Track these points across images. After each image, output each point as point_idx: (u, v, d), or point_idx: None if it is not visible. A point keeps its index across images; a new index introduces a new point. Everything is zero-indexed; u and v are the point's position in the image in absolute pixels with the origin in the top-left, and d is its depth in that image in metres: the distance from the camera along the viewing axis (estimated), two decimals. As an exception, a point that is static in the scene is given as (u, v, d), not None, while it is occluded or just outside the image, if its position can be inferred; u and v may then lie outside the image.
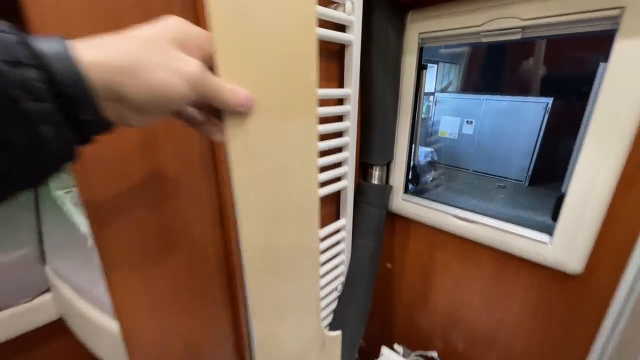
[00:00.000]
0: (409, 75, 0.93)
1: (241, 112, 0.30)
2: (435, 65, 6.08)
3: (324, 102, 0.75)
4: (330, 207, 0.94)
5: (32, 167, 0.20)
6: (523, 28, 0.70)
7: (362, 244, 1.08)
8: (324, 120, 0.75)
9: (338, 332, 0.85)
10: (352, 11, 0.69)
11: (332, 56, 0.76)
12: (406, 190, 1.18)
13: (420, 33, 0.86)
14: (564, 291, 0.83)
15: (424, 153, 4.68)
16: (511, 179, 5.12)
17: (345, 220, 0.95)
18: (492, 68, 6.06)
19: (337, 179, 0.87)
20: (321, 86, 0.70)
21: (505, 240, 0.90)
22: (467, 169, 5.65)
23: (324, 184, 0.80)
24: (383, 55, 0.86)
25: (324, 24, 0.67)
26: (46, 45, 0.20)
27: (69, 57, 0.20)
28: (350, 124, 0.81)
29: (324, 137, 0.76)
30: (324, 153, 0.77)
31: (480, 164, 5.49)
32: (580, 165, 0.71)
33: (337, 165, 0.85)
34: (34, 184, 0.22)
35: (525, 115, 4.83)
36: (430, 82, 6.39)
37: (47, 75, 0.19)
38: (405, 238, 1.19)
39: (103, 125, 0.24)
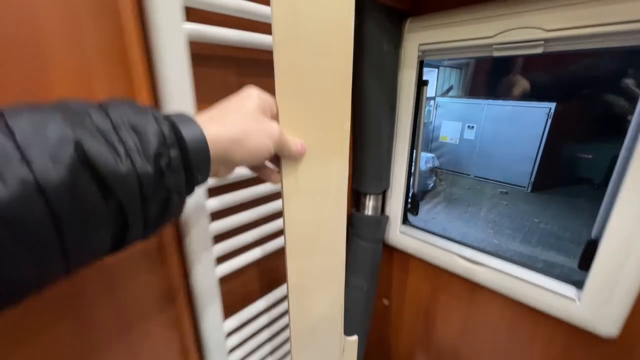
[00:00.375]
0: (407, 93, 0.78)
1: (297, 158, 0.38)
2: (436, 70, 5.99)
3: None
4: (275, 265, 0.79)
5: (156, 228, 0.26)
6: (546, 40, 0.56)
7: (355, 284, 0.93)
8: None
9: (355, 337, 0.70)
10: None
11: None
12: (405, 221, 1.02)
13: (420, 44, 0.71)
14: (594, 355, 0.69)
15: (424, 159, 4.57)
16: (513, 184, 5.00)
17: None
18: (494, 72, 5.96)
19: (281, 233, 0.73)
20: None
21: (520, 289, 0.76)
22: (469, 175, 5.53)
23: (261, 240, 0.68)
24: (376, 70, 0.72)
25: None
26: (186, 130, 0.25)
27: (202, 139, 0.26)
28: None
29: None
30: (264, 199, 0.65)
31: (482, 170, 5.36)
32: (618, 211, 0.57)
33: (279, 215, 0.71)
34: (149, 236, 0.26)
35: (528, 120, 4.71)
36: (430, 86, 6.28)
37: (184, 154, 0.25)
38: (404, 274, 1.05)
39: (205, 182, 0.29)
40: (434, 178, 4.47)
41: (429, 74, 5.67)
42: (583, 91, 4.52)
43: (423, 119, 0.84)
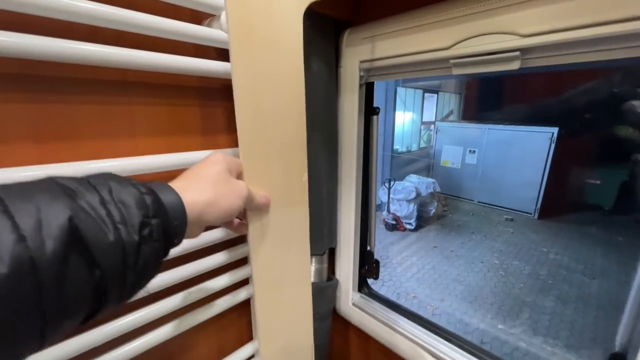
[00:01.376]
0: (351, 124, 0.58)
1: (263, 210, 0.41)
2: (435, 95, 6.02)
3: None
4: (239, 321, 0.58)
5: (131, 295, 0.27)
6: (523, 51, 0.39)
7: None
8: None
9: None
10: None
11: (213, 98, 0.45)
12: (361, 288, 0.74)
13: (361, 61, 0.53)
14: None
15: (425, 184, 4.45)
16: (519, 211, 4.79)
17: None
18: (493, 97, 5.96)
19: (246, 281, 0.55)
20: (190, 146, 0.43)
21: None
22: (472, 200, 5.35)
23: (228, 289, 0.51)
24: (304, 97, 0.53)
25: (196, 50, 0.41)
26: (165, 198, 0.27)
27: (180, 205, 0.28)
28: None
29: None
30: (227, 244, 0.50)
31: (486, 195, 5.19)
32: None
33: (245, 261, 0.54)
34: (122, 303, 0.27)
35: (530, 144, 4.60)
36: (430, 110, 6.31)
37: (165, 222, 0.26)
38: (363, 356, 0.78)
39: (179, 245, 0.31)
40: (436, 204, 4.31)
41: (429, 99, 5.69)
42: (586, 115, 4.46)
43: (375, 155, 0.64)
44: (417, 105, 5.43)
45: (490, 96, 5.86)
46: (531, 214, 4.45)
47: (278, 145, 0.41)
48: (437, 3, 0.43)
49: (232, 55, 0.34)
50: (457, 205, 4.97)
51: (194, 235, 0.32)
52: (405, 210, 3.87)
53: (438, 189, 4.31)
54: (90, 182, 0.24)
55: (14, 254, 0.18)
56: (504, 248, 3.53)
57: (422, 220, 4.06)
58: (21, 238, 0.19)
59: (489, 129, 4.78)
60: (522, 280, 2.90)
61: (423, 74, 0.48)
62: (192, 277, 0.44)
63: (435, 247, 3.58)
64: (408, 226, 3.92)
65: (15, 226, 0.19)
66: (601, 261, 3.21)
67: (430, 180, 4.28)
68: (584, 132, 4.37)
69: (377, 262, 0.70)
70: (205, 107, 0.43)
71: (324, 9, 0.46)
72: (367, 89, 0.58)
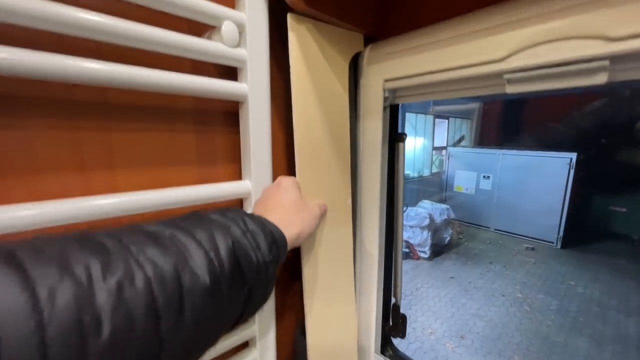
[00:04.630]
0: (373, 152, 0.50)
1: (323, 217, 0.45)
2: (446, 120, 5.99)
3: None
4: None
5: (255, 312, 0.32)
6: (613, 59, 0.29)
7: None
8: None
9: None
10: (237, 40, 0.35)
11: (212, 122, 0.39)
12: (384, 350, 0.61)
13: (386, 80, 0.45)
14: None
15: (439, 210, 4.28)
16: (540, 239, 4.52)
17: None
18: (507, 121, 5.87)
19: (245, 345, 0.45)
20: (184, 179, 0.37)
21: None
22: (488, 227, 5.11)
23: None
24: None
25: (193, 66, 0.35)
26: (274, 231, 0.32)
27: (284, 239, 0.33)
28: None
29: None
30: None
31: (503, 222, 4.95)
32: None
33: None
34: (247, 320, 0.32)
35: (548, 170, 4.42)
36: (442, 136, 6.25)
37: (278, 250, 0.32)
38: None
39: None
40: (451, 231, 4.13)
41: (440, 125, 5.66)
42: (607, 139, 4.30)
43: (401, 189, 0.54)
44: (428, 130, 5.42)
45: (503, 122, 5.81)
46: (553, 243, 4.20)
47: (327, 171, 0.46)
48: (485, 8, 0.35)
49: (294, 97, 0.39)
50: (472, 232, 4.76)
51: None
52: (418, 237, 3.71)
53: (452, 216, 4.15)
54: (228, 215, 0.29)
55: (210, 270, 0.24)
56: (527, 280, 3.28)
57: (437, 249, 3.87)
58: (210, 261, 0.24)
59: (503, 154, 4.67)
60: (549, 317, 2.65)
61: (463, 94, 0.40)
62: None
63: (451, 277, 3.37)
64: (422, 255, 3.74)
65: (205, 250, 0.24)
66: (636, 297, 2.93)
67: (444, 206, 4.14)
68: (604, 157, 4.21)
69: (404, 318, 0.58)
70: (202, 134, 0.37)
71: (339, 21, 0.40)
72: (391, 112, 0.50)
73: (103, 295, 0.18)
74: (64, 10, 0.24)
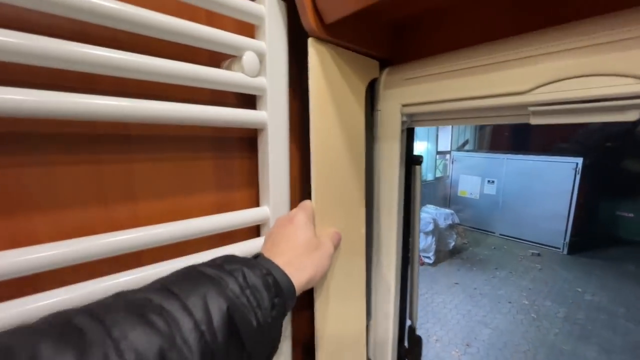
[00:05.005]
0: (390, 175, 0.49)
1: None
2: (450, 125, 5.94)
3: (224, 238, 0.37)
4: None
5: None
6: None
7: None
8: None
9: None
10: (258, 69, 0.35)
11: (230, 149, 0.39)
12: None
13: (403, 105, 0.45)
14: None
15: (443, 215, 4.26)
16: (546, 245, 4.47)
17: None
18: (512, 125, 5.82)
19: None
20: (206, 205, 0.37)
21: None
22: (493, 232, 5.06)
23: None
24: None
25: (213, 96, 0.36)
26: (281, 280, 0.29)
27: (291, 285, 0.30)
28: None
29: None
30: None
31: (508, 228, 4.91)
32: None
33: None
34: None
35: (553, 175, 4.38)
36: (446, 140, 6.22)
37: (283, 299, 0.29)
38: None
39: None
40: (455, 236, 4.10)
41: (444, 129, 5.64)
42: (613, 143, 4.26)
43: (418, 211, 0.54)
44: (432, 135, 5.40)
45: (508, 125, 5.78)
46: (560, 248, 4.16)
47: (343, 197, 0.45)
48: (510, 38, 0.34)
49: (312, 122, 0.38)
50: (477, 237, 4.73)
51: None
52: (422, 242, 3.69)
53: (457, 221, 4.12)
54: (226, 268, 0.27)
55: (201, 345, 0.22)
56: (533, 286, 3.25)
57: (441, 254, 3.85)
58: (202, 334, 0.22)
59: (507, 158, 4.65)
60: (557, 324, 2.62)
61: (484, 121, 0.40)
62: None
63: (456, 283, 3.35)
64: (426, 260, 3.71)
65: (195, 322, 0.22)
66: (647, 305, 2.89)
67: (449, 211, 4.12)
68: (609, 162, 4.17)
69: (419, 340, 0.57)
70: (220, 160, 0.37)
71: (356, 46, 0.40)
72: (408, 135, 0.50)
73: None
74: (88, 49, 0.24)
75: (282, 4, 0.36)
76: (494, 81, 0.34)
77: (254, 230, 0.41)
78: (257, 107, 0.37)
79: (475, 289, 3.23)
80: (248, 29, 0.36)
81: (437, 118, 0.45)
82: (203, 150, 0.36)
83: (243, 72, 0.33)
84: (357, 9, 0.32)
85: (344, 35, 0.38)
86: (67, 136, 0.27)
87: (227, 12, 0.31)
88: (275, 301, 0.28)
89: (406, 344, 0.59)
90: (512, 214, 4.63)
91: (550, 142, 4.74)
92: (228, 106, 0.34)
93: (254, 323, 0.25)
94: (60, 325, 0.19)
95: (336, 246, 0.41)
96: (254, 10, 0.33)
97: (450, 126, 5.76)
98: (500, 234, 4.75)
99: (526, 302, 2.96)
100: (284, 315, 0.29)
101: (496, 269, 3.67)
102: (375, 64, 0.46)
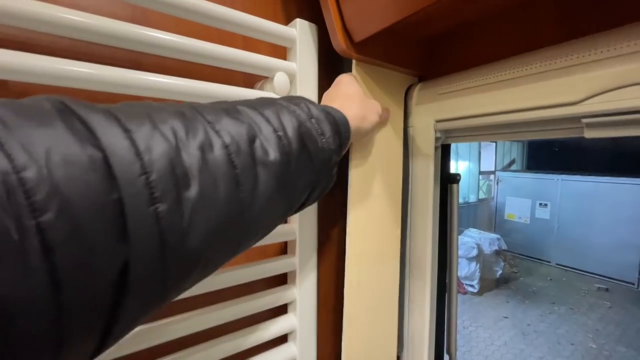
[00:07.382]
0: (424, 194, 0.47)
1: (359, 258, 0.44)
2: (494, 143, 5.61)
3: (250, 256, 0.39)
4: None
5: (320, 196, 0.32)
6: None
7: None
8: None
9: None
10: (288, 89, 0.37)
11: None
12: None
13: (437, 121, 0.43)
14: None
15: (488, 240, 3.92)
16: (615, 279, 3.87)
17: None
18: (564, 142, 5.31)
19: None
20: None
21: None
22: (549, 262, 4.52)
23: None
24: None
25: None
26: (336, 114, 0.31)
27: (346, 122, 0.32)
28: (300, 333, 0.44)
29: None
30: None
31: (566, 257, 4.34)
32: None
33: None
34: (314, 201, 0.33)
35: (621, 198, 3.84)
36: (489, 159, 5.84)
37: (341, 133, 0.31)
38: None
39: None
40: (502, 263, 3.75)
41: (487, 148, 5.32)
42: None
43: (455, 233, 0.50)
44: (474, 154, 5.12)
45: (559, 143, 5.31)
46: (634, 284, 3.60)
47: (378, 202, 0.44)
48: (556, 45, 0.31)
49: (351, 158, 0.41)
50: (528, 266, 4.27)
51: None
52: (465, 269, 3.42)
53: (504, 247, 3.78)
54: (294, 100, 0.29)
55: (279, 147, 0.24)
56: (601, 327, 2.81)
57: (487, 283, 3.52)
58: (279, 137, 0.24)
59: (562, 179, 4.23)
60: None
61: (529, 136, 0.36)
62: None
63: (505, 317, 3.01)
64: (470, 289, 3.42)
65: (274, 127, 0.24)
66: None
67: (494, 235, 3.80)
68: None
69: None
70: None
71: (383, 61, 0.40)
72: (443, 152, 0.48)
73: (189, 155, 0.19)
74: (141, 76, 0.27)
75: (313, 26, 0.37)
76: (539, 92, 0.32)
77: (282, 248, 0.41)
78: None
79: (528, 325, 2.87)
80: (280, 51, 0.38)
81: (475, 133, 0.42)
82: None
83: (274, 92, 0.34)
84: (385, 25, 0.32)
85: (375, 52, 0.38)
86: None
87: (262, 37, 0.34)
88: (334, 133, 0.30)
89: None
90: (570, 242, 4.14)
91: (614, 161, 4.24)
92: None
93: (319, 143, 0.28)
94: (161, 105, 0.21)
95: (384, 116, 0.41)
96: (287, 34, 0.35)
97: (494, 145, 5.42)
98: (557, 264, 4.25)
99: (594, 346, 2.56)
100: (341, 153, 0.32)
101: (553, 303, 3.26)
102: (407, 79, 0.45)
